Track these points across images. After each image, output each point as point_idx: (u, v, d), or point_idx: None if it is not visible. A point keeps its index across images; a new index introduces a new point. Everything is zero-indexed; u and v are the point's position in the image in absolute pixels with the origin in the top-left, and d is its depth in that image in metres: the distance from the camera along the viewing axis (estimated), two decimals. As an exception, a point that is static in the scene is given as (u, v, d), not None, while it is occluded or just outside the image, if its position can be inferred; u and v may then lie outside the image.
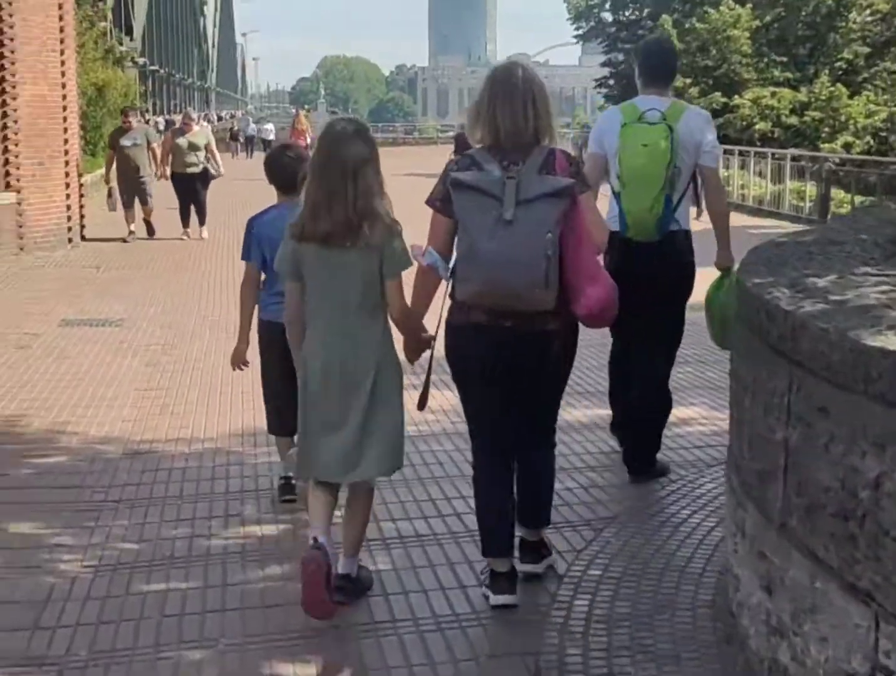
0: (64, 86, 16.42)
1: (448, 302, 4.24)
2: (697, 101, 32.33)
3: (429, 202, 4.22)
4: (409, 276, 4.26)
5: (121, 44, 65.85)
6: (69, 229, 16.59)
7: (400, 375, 4.33)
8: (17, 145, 15.54)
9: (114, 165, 17.37)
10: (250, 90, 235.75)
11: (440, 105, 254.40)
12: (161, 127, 66.48)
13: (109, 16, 62.98)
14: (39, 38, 15.85)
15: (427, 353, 4.37)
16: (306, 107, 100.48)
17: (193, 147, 17.17)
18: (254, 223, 5.50)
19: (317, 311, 4.25)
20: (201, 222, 17.54)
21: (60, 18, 16.26)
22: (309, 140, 33.49)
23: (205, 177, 17.33)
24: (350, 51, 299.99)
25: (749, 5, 36.74)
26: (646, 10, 40.73)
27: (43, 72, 15.99)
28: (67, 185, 16.49)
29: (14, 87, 15.48)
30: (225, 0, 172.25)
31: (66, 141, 16.36)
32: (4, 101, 15.42)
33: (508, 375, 4.18)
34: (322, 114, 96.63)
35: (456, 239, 4.11)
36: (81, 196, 17.14)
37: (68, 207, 16.53)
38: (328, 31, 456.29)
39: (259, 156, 45.37)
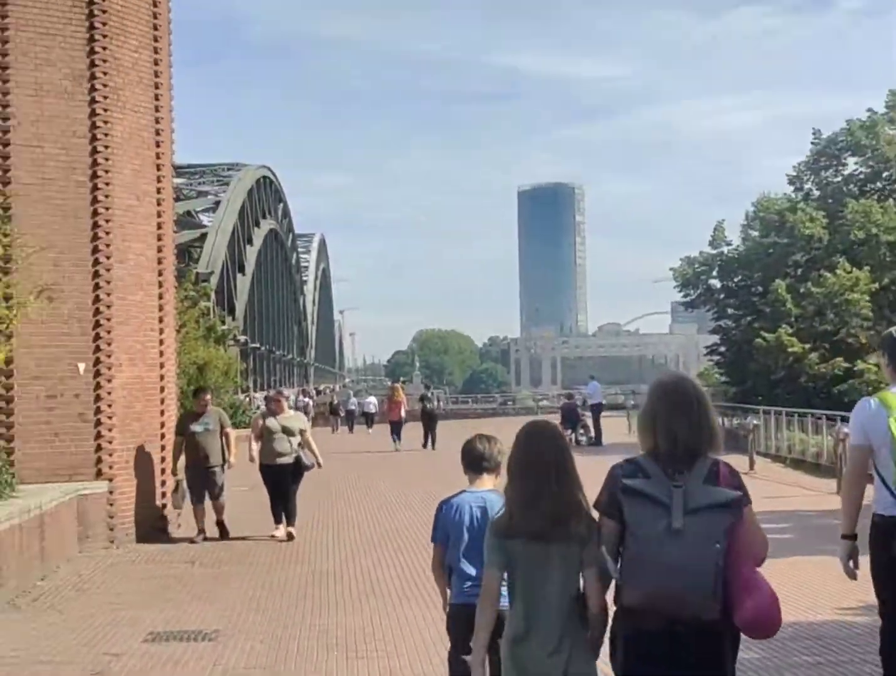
0: (162, 366, 15.56)
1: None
2: (818, 367, 31.09)
3: (596, 506, 4.33)
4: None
5: (223, 322, 67.17)
6: (164, 519, 15.34)
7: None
8: (110, 430, 14.52)
9: (182, 454, 15.27)
10: (347, 364, 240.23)
11: (533, 375, 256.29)
12: (261, 405, 67.08)
13: (212, 295, 64.43)
14: (137, 317, 15.08)
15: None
16: (402, 379, 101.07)
17: (287, 431, 14.95)
18: (443, 506, 5.73)
19: (521, 601, 4.40)
20: (289, 520, 14.99)
21: (160, 297, 15.54)
22: (403, 412, 34.62)
23: (297, 469, 14.96)
24: (444, 324, 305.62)
25: (867, 268, 35.79)
26: (756, 275, 39.82)
27: (141, 352, 15.14)
28: (163, 471, 15.36)
29: (110, 368, 14.58)
30: (324, 280, 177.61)
31: (162, 424, 15.36)
32: (99, 383, 14.49)
33: None
34: (417, 385, 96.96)
35: (624, 543, 4.20)
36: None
37: (163, 495, 15.34)
38: (422, 305, 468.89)
39: (360, 430, 45.15)
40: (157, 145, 15.61)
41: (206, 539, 14.84)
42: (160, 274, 15.58)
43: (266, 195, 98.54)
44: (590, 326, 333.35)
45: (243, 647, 8.92)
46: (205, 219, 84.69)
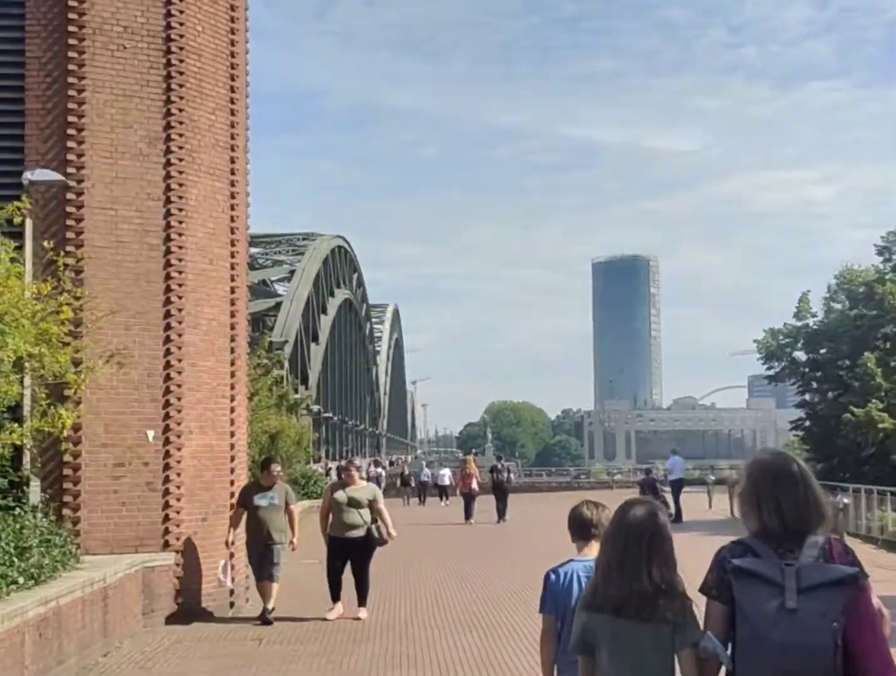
0: (233, 435, 15.11)
1: None
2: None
3: (703, 590, 4.18)
4: None
5: (296, 391, 67.16)
6: (231, 593, 14.79)
7: None
8: (179, 500, 14.06)
9: (240, 527, 14.51)
10: (419, 435, 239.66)
11: (607, 448, 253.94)
12: (334, 475, 66.72)
13: (286, 364, 64.43)
14: (209, 383, 14.67)
15: None
16: (474, 451, 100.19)
17: (355, 503, 14.04)
18: (551, 574, 5.51)
19: None
20: (361, 600, 14.22)
21: (232, 363, 15.14)
22: (475, 484, 34.21)
23: (368, 543, 14.09)
24: (516, 396, 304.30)
25: None
26: (843, 348, 38.72)
27: (211, 420, 14.72)
28: (232, 542, 14.84)
29: (179, 436, 14.16)
30: (397, 350, 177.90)
31: (232, 494, 14.85)
32: (168, 451, 14.07)
33: None
34: (490, 457, 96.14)
35: (735, 627, 4.05)
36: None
37: (232, 567, 14.81)
38: (495, 376, 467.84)
39: (432, 503, 44.43)
40: (232, 208, 15.30)
41: (272, 619, 13.88)
42: (232, 339, 15.19)
43: (341, 264, 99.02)
44: (664, 400, 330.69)
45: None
46: (280, 288, 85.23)
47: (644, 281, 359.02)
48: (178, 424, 14.19)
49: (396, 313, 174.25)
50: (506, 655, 11.56)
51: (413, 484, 47.52)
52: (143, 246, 14.19)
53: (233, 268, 15.29)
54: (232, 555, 14.53)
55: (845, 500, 24.81)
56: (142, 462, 13.97)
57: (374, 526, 14.03)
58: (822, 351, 39.63)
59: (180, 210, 14.38)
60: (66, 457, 13.54)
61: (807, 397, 40.80)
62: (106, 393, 13.77)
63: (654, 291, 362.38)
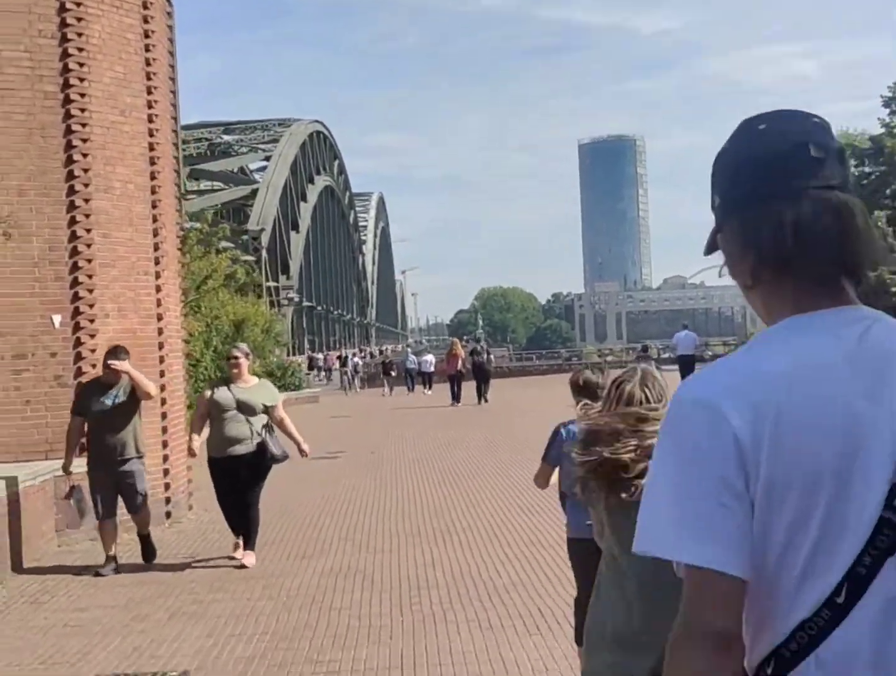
0: (160, 317, 12.85)
1: None
2: (926, 308, 27.67)
3: None
4: None
5: (275, 280, 65.14)
6: (167, 502, 12.69)
7: None
8: (95, 396, 11.81)
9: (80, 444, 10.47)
10: (410, 324, 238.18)
11: (598, 330, 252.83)
12: (321, 363, 64.83)
13: (263, 252, 62.22)
14: (126, 258, 12.39)
15: None
16: (465, 337, 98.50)
17: (246, 408, 10.08)
18: (562, 429, 5.85)
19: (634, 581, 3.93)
20: (246, 541, 10.32)
21: (155, 234, 12.82)
22: (461, 365, 35.12)
23: (258, 462, 10.09)
24: (506, 282, 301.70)
25: None
26: None
27: (132, 301, 12.46)
28: (165, 444, 12.71)
29: (92, 320, 11.92)
30: (384, 240, 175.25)
31: (162, 387, 12.62)
32: (80, 338, 11.84)
33: None
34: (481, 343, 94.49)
35: None
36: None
37: (165, 472, 12.70)
38: (484, 264, 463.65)
39: (419, 390, 42.66)
40: (147, 50, 12.83)
41: (117, 569, 10.15)
42: (154, 206, 12.83)
43: (320, 150, 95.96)
44: (654, 280, 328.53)
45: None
46: (259, 177, 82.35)
47: (631, 161, 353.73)
48: (90, 306, 11.93)
49: (382, 201, 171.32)
50: (481, 567, 9.49)
51: (394, 373, 45.66)
52: (37, 94, 11.77)
53: (151, 120, 12.88)
54: (72, 488, 10.38)
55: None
56: (48, 352, 11.75)
57: (268, 437, 10.05)
58: None
59: (80, 49, 11.93)
60: (-47, 350, 11.34)
61: None
62: (-2, 273, 11.52)
63: (642, 172, 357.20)
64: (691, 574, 1.69)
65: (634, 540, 1.76)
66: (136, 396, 10.21)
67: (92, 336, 11.92)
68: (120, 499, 10.29)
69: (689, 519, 1.68)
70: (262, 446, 9.98)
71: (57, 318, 11.79)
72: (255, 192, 72.97)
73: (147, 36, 12.86)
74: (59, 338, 11.82)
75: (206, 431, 10.35)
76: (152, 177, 12.85)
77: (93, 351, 11.89)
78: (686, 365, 28.77)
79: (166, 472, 12.75)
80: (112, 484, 10.12)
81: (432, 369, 42.76)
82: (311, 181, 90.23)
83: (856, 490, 1.68)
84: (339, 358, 59.17)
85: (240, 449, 10.01)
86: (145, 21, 12.85)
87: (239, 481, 10.05)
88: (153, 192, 12.84)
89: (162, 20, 13.49)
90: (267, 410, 10.19)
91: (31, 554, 10.70)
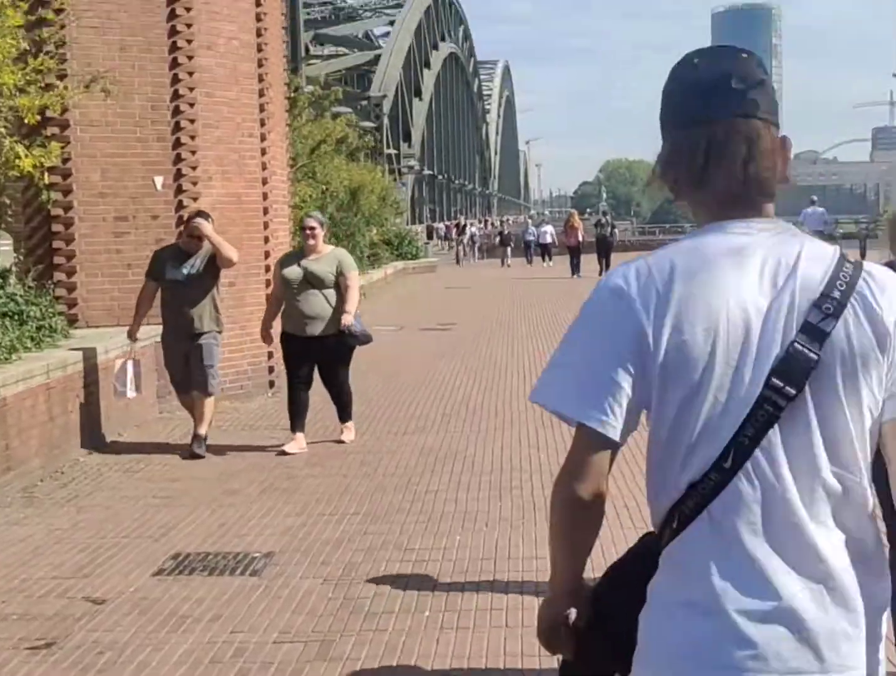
0: (265, 182, 12.43)
1: None
2: None
3: None
4: None
5: (396, 147, 64.48)
6: (271, 370, 12.44)
7: None
8: (198, 261, 11.51)
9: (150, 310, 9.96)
10: (533, 196, 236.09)
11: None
12: (442, 233, 64.41)
13: (385, 119, 61.46)
14: (231, 119, 11.95)
15: None
16: (588, 210, 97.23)
17: (317, 281, 9.28)
18: None
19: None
20: (343, 415, 9.76)
21: (261, 94, 12.34)
22: (580, 236, 35.15)
23: (340, 342, 9.27)
24: (632, 154, 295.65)
25: None
26: None
27: (237, 164, 12.05)
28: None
29: (195, 183, 11.56)
30: (508, 109, 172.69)
31: (266, 254, 12.28)
32: (182, 201, 11.51)
33: None
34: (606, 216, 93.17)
35: None
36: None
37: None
38: (610, 136, 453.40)
39: (537, 262, 42.02)
40: None
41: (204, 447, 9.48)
42: (260, 64, 12.31)
43: (445, 16, 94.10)
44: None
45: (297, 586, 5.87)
46: (383, 43, 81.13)
47: (766, 31, 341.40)
48: (193, 169, 11.56)
49: (507, 70, 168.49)
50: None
51: (512, 244, 44.98)
52: (138, -58, 11.27)
53: (258, -27, 12.30)
54: (128, 359, 9.85)
55: None
56: (150, 215, 11.45)
57: (349, 317, 9.16)
58: None
59: None
60: (55, 210, 11.08)
61: None
62: (100, 131, 11.17)
63: (776, 42, 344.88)
64: (581, 430, 2.00)
65: (532, 392, 2.07)
66: (215, 267, 9.60)
67: (195, 199, 11.55)
68: None
69: (590, 385, 1.98)
70: (339, 324, 9.13)
71: (159, 180, 11.46)
72: (377, 58, 71.97)
73: None
74: (161, 201, 11.50)
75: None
76: (258, 34, 12.32)
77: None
78: (817, 243, 26.77)
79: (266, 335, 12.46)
80: (185, 359, 9.61)
81: (551, 240, 41.99)
82: (436, 47, 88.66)
83: (742, 370, 1.96)
84: (457, 226, 58.57)
85: (315, 328, 9.20)
86: None
87: (319, 363, 9.39)
88: (259, 50, 12.33)
89: None
90: (337, 281, 9.31)
91: (131, 419, 10.55)
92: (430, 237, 59.62)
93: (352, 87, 73.28)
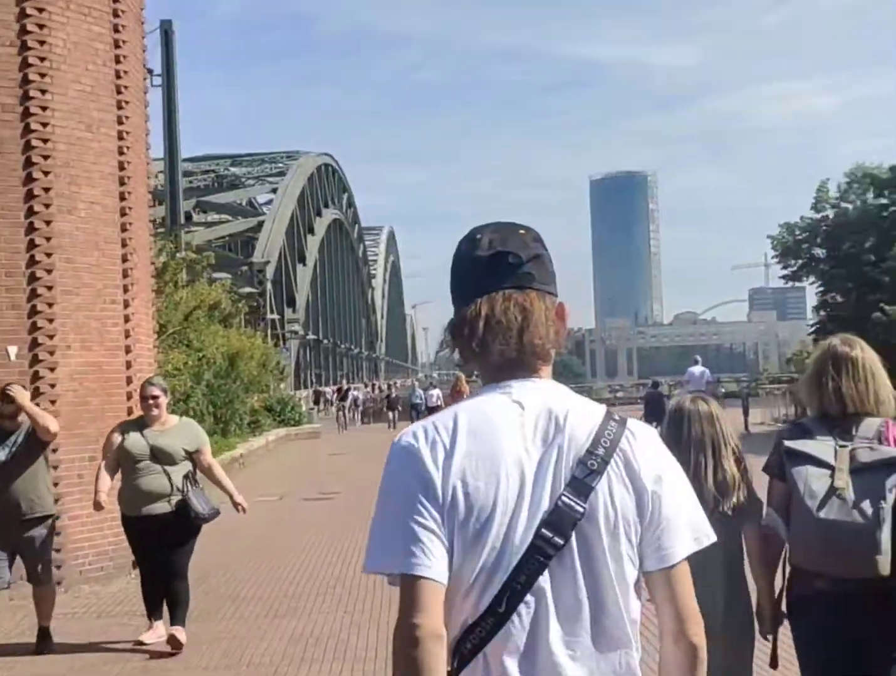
0: (129, 350, 11.85)
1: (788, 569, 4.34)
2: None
3: (765, 469, 4.38)
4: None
5: (280, 313, 64.27)
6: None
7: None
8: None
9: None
10: (421, 359, 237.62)
11: (609, 366, 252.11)
12: (331, 396, 63.60)
13: (268, 284, 61.37)
14: (91, 285, 11.40)
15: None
16: (476, 373, 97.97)
17: (164, 456, 8.41)
18: None
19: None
20: (174, 616, 8.42)
21: (124, 259, 11.83)
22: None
23: (183, 523, 8.33)
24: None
25: None
26: (869, 242, 34.83)
27: (98, 331, 11.48)
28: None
29: (52, 352, 10.94)
30: (394, 273, 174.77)
31: (130, 425, 11.61)
32: (38, 372, 10.85)
33: (850, 639, 4.15)
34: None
35: (790, 505, 4.18)
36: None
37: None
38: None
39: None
40: (118, 61, 11.89)
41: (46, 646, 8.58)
42: (124, 229, 11.87)
43: (329, 183, 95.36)
44: (665, 316, 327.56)
45: None
46: (267, 210, 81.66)
47: (643, 197, 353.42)
48: (51, 337, 10.94)
49: (392, 235, 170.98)
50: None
51: (399, 407, 44.80)
52: (-6, 106, 10.84)
53: (122, 137, 11.90)
54: None
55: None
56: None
57: (190, 490, 8.34)
58: (845, 245, 35.46)
59: (42, 59, 10.99)
60: None
61: (829, 298, 36.71)
62: (-53, 300, 10.55)
63: (653, 207, 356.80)
64: (403, 581, 2.11)
65: (364, 565, 2.19)
66: (38, 442, 8.74)
67: (52, 369, 10.92)
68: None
69: (400, 539, 2.12)
70: (183, 503, 8.29)
71: (13, 350, 10.80)
72: (261, 224, 72.19)
73: (118, 46, 11.91)
74: (16, 372, 10.78)
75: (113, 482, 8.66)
76: (122, 198, 11.88)
77: (52, 385, 10.92)
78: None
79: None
80: (12, 547, 8.60)
81: (439, 403, 41.88)
82: (319, 214, 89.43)
83: (517, 519, 2.14)
84: (338, 390, 56.70)
85: (157, 508, 8.28)
86: (116, 30, 11.89)
87: (160, 545, 8.39)
88: (122, 214, 11.87)
89: (136, 30, 12.58)
90: (190, 457, 8.52)
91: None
92: (316, 402, 58.89)
93: (235, 254, 73.31)
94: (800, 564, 4.19)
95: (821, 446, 4.13)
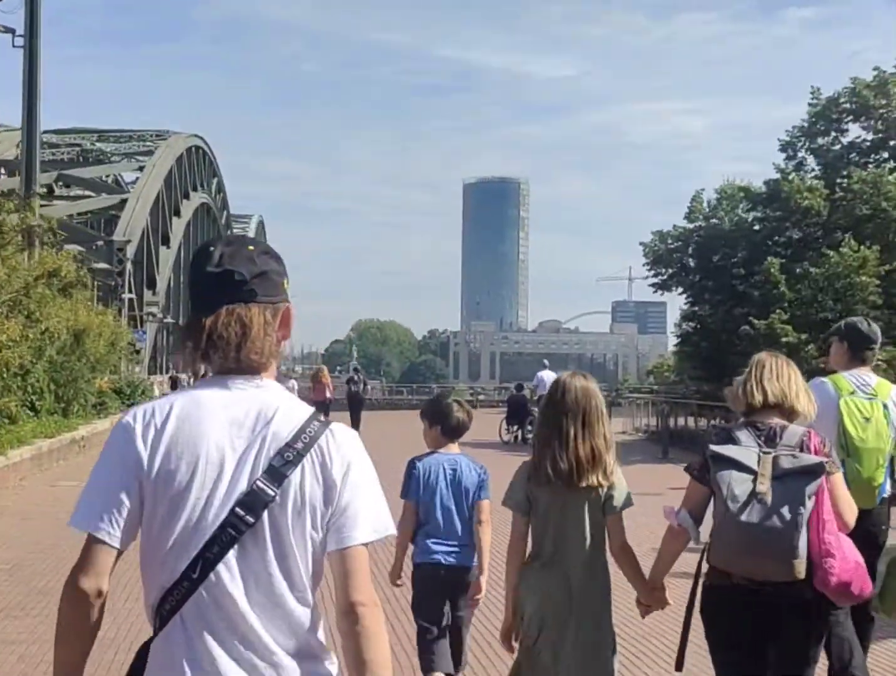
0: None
1: (705, 566, 4.52)
2: (815, 361, 26.00)
3: (687, 469, 4.61)
4: None
5: (139, 294, 62.20)
6: None
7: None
8: None
9: None
10: (284, 352, 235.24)
11: (472, 369, 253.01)
12: (187, 382, 61.60)
13: (128, 264, 59.30)
14: None
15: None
16: (338, 368, 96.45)
17: None
18: (417, 463, 5.93)
19: (541, 548, 4.64)
20: None
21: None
22: (328, 393, 33.53)
23: None
24: (386, 316, 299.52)
25: (876, 247, 30.05)
26: (739, 255, 34.70)
27: None
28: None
29: None
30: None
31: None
32: None
33: (762, 641, 4.33)
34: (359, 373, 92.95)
35: (712, 506, 4.44)
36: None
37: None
38: (365, 296, 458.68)
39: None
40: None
41: None
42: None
43: (198, 166, 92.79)
44: (530, 322, 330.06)
45: None
46: (133, 189, 79.12)
47: (514, 204, 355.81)
48: None
49: (261, 225, 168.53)
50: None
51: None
52: None
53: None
54: None
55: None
56: None
57: None
58: (716, 257, 35.12)
59: None
60: None
61: (697, 309, 36.37)
62: None
63: (524, 215, 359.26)
64: (87, 540, 2.47)
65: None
66: None
67: None
68: None
69: (98, 504, 2.48)
70: None
71: None
72: (124, 202, 69.75)
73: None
74: None
75: None
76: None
77: None
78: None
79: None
80: None
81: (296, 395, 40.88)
82: (187, 196, 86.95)
83: (213, 498, 2.48)
84: (170, 379, 43.68)
85: None
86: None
87: None
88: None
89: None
90: None
91: None
92: (173, 387, 56.87)
93: (98, 232, 70.69)
94: (719, 565, 4.35)
95: (745, 452, 4.34)
